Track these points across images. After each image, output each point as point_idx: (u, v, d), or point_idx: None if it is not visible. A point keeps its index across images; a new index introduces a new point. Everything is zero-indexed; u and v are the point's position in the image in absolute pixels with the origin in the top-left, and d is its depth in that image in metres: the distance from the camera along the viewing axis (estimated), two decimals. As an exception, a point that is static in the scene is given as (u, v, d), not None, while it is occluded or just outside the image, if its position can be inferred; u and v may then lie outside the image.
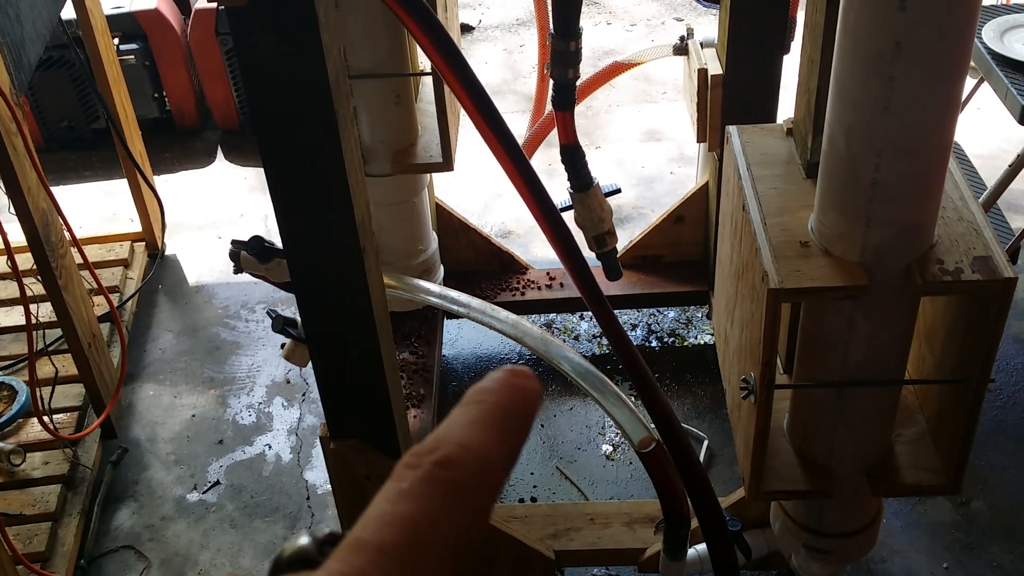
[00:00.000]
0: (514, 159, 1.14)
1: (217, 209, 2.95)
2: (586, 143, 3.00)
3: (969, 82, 2.31)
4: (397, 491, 0.28)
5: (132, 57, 2.92)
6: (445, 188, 2.63)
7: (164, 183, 2.94)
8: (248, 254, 1.75)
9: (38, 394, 2.03)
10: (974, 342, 1.17)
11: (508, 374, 0.32)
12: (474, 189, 2.88)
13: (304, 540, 0.31)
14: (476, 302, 1.65)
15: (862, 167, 1.07)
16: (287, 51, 1.24)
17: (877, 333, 1.19)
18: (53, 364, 2.20)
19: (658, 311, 2.47)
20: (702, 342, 2.40)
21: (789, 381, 1.37)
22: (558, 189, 1.92)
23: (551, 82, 1.73)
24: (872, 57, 1.02)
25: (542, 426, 2.22)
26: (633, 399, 1.54)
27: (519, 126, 3.09)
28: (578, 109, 1.83)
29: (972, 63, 2.05)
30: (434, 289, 1.71)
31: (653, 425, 1.43)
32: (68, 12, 2.23)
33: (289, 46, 1.23)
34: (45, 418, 2.00)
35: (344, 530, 0.28)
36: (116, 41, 2.61)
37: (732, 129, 1.39)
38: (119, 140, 2.49)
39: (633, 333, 2.42)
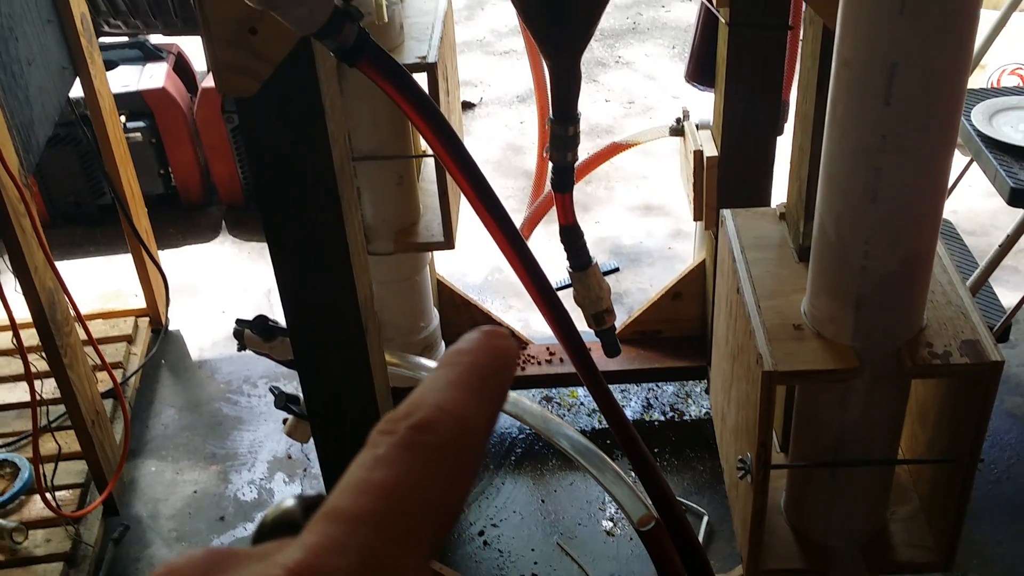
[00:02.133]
0: (512, 242, 1.17)
1: (221, 284, 2.98)
2: (585, 217, 3.06)
3: (961, 160, 2.36)
4: (373, 457, 0.27)
5: (139, 135, 2.98)
6: (446, 262, 2.67)
7: (169, 258, 2.98)
8: (252, 332, 1.78)
9: (41, 471, 2.04)
10: (964, 422, 1.19)
11: (483, 335, 0.31)
12: (474, 263, 2.92)
13: (290, 503, 0.30)
14: (476, 380, 1.67)
15: (852, 253, 1.11)
16: (294, 139, 1.28)
17: (870, 414, 1.21)
18: (56, 441, 2.21)
19: (657, 386, 2.49)
20: (701, 417, 2.41)
21: (785, 460, 1.39)
22: (558, 258, 1.95)
23: (550, 163, 1.78)
24: (859, 148, 1.05)
25: (543, 502, 2.22)
26: (632, 476, 1.55)
27: (519, 201, 3.14)
28: (577, 184, 1.88)
29: (963, 144, 2.11)
30: (435, 367, 1.73)
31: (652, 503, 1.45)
32: (76, 91, 2.29)
33: (296, 134, 1.28)
34: (48, 495, 2.00)
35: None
36: (123, 119, 2.68)
37: (727, 213, 1.43)
38: (125, 217, 2.54)
39: (632, 407, 2.44)
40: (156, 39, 3.17)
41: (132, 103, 2.97)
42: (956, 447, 1.21)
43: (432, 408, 0.28)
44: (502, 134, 3.64)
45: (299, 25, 0.94)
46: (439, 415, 0.27)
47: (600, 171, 3.24)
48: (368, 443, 0.27)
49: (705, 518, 2.14)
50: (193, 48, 3.30)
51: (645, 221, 3.16)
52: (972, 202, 2.99)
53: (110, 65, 2.88)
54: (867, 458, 1.25)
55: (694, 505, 2.16)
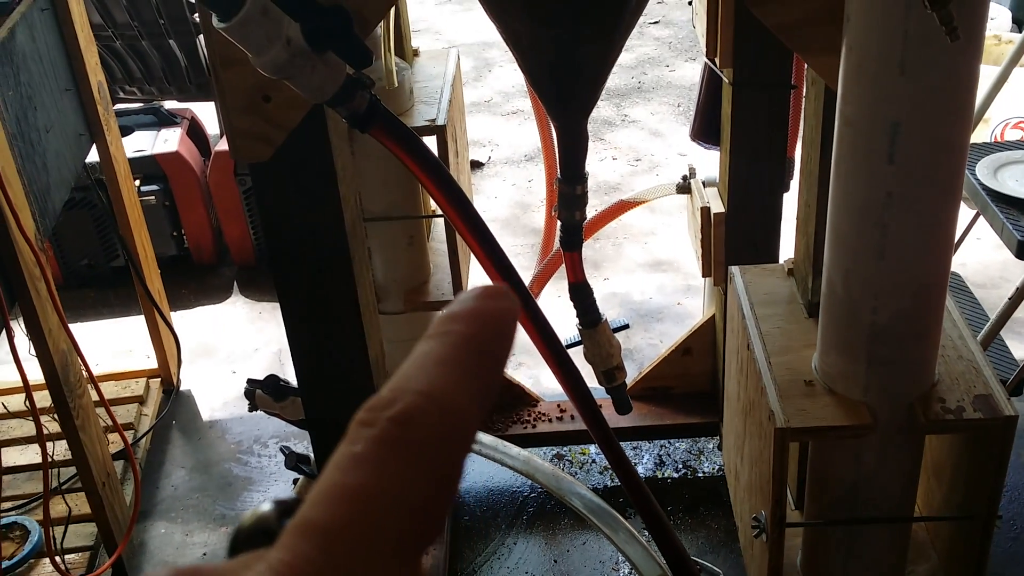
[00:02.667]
0: (522, 300, 1.18)
1: (232, 344, 3.00)
2: (594, 274, 3.07)
3: (968, 213, 2.37)
4: (350, 457, 0.24)
5: (152, 198, 3.02)
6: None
7: (180, 319, 3.00)
8: (263, 392, 1.78)
9: (51, 533, 2.03)
10: (980, 478, 1.18)
11: (477, 296, 0.27)
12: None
13: (265, 508, 0.27)
14: (487, 438, 1.67)
15: (861, 310, 1.11)
16: (307, 202, 1.30)
17: (885, 470, 1.21)
18: (66, 502, 2.20)
19: (668, 442, 2.48)
20: (714, 474, 2.39)
21: (801, 517, 1.38)
22: (568, 315, 1.96)
23: (559, 222, 1.80)
24: (865, 206, 1.07)
25: (555, 562, 2.20)
26: (646, 535, 1.54)
27: (528, 259, 3.16)
28: (585, 242, 1.89)
29: (968, 197, 2.12)
30: (446, 426, 1.73)
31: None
32: (92, 156, 2.33)
33: (309, 198, 1.30)
34: (57, 558, 1.99)
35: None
36: (137, 183, 2.71)
37: (735, 270, 1.44)
38: (138, 279, 2.56)
39: (644, 464, 2.42)
40: (170, 104, 3.23)
41: (146, 167, 3.01)
42: (973, 503, 1.20)
43: (416, 395, 0.24)
44: (510, 193, 3.67)
45: (312, 93, 0.97)
46: (424, 404, 0.24)
47: (608, 228, 3.26)
48: (347, 436, 0.24)
49: (720, 577, 2.11)
50: (206, 113, 3.36)
51: (654, 277, 3.17)
52: (981, 255, 2.99)
53: (125, 130, 2.93)
54: (883, 515, 1.24)
55: (709, 565, 2.13)
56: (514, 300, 0.27)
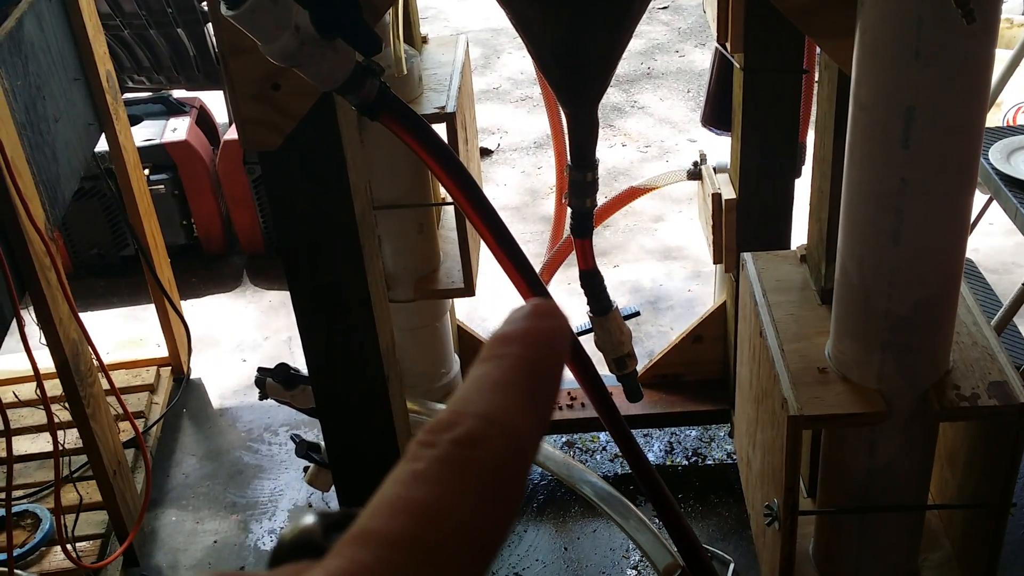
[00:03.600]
0: (532, 288, 1.18)
1: (242, 332, 3.00)
2: (604, 261, 3.06)
3: (981, 198, 2.35)
4: (411, 473, 0.23)
5: (162, 187, 3.02)
6: (467, 307, 2.68)
7: (191, 307, 3.00)
8: (274, 381, 1.78)
9: (62, 522, 2.04)
10: (995, 466, 1.18)
11: (530, 316, 0.27)
12: (495, 307, 2.93)
13: (310, 520, 0.26)
14: (498, 426, 1.67)
15: (875, 296, 1.10)
16: (316, 190, 1.30)
17: (898, 458, 1.20)
18: (77, 491, 2.21)
19: (679, 430, 2.47)
20: (725, 461, 2.39)
21: (813, 505, 1.37)
22: (579, 302, 1.95)
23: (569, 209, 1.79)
24: (879, 192, 1.06)
25: (565, 549, 2.20)
26: (657, 522, 1.53)
27: (538, 245, 3.15)
28: (596, 228, 1.88)
29: (982, 182, 2.10)
30: (456, 414, 1.73)
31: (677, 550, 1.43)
32: (101, 145, 2.33)
33: (318, 186, 1.29)
34: (68, 546, 2.00)
35: (358, 511, 0.24)
36: (147, 172, 2.71)
37: (747, 256, 1.43)
38: (148, 268, 2.56)
39: (655, 452, 2.42)
40: (179, 93, 3.23)
41: (156, 156, 3.01)
42: (987, 491, 1.20)
43: (477, 418, 0.24)
44: (520, 180, 3.66)
45: (321, 81, 0.96)
46: (486, 428, 0.24)
47: (618, 215, 3.25)
48: (406, 456, 0.24)
49: (731, 565, 2.11)
50: (215, 101, 3.35)
51: (664, 264, 3.16)
52: (993, 240, 2.97)
53: (134, 120, 2.93)
54: (896, 503, 1.24)
55: (720, 552, 2.13)
56: (564, 318, 0.27)
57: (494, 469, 0.24)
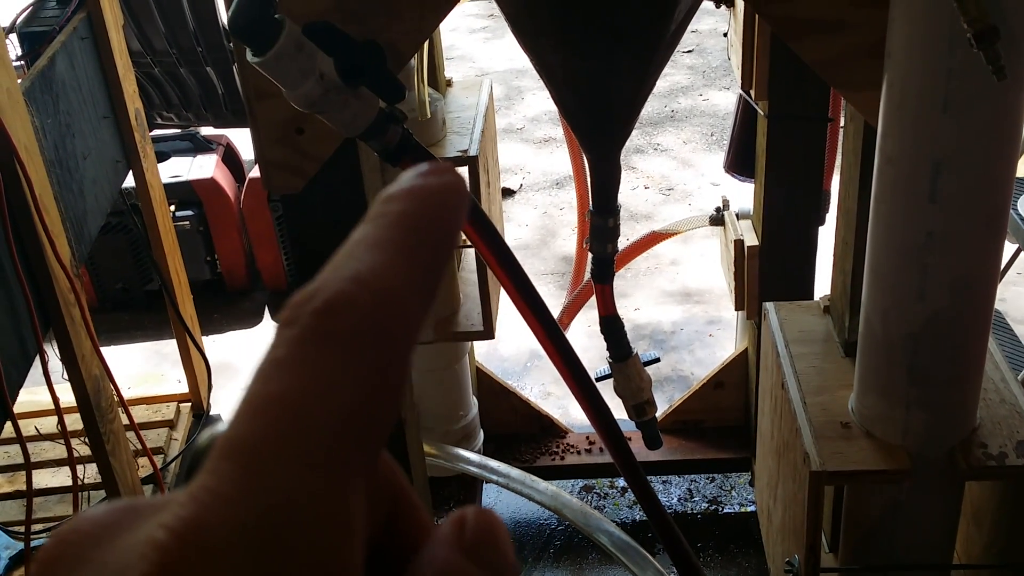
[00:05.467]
0: (549, 334, 1.17)
1: (261, 368, 3.00)
2: (624, 303, 3.05)
3: (1010, 247, 2.33)
4: (271, 362, 0.21)
5: (187, 223, 3.04)
6: (485, 348, 2.67)
7: (212, 343, 3.01)
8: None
9: (78, 558, 2.03)
10: (1022, 526, 1.15)
11: (418, 175, 0.23)
12: (514, 350, 2.91)
13: (222, 427, 0.24)
14: (516, 472, 1.65)
15: (900, 351, 1.09)
16: (338, 233, 1.30)
17: (923, 516, 1.17)
18: (94, 527, 2.21)
19: (699, 477, 2.44)
20: (745, 510, 2.35)
21: (835, 562, 1.34)
22: (599, 346, 1.94)
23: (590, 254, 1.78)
24: (905, 246, 1.04)
25: (582, 597, 2.17)
26: (674, 573, 1.51)
27: (558, 286, 3.14)
28: (617, 272, 1.87)
29: (1010, 233, 2.08)
30: (474, 459, 1.72)
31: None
32: (128, 181, 2.35)
33: (340, 229, 1.29)
34: (83, 583, 1.99)
35: None
36: (172, 208, 2.74)
37: (769, 306, 1.42)
38: (171, 304, 2.57)
39: (673, 499, 2.39)
40: (206, 131, 3.26)
41: (182, 192, 3.04)
42: (1015, 551, 1.17)
43: (344, 282, 0.21)
44: (541, 220, 3.67)
45: (344, 127, 0.96)
46: (353, 290, 0.21)
47: (639, 257, 3.24)
48: (271, 340, 0.21)
49: (751, 617, 2.07)
50: (242, 139, 3.39)
51: (685, 307, 3.14)
52: (1021, 289, 2.94)
53: (162, 156, 2.96)
54: (921, 562, 1.21)
55: (740, 603, 2.09)
56: (457, 175, 0.24)
57: (366, 337, 0.20)
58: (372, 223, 0.23)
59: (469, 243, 1.91)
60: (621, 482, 2.44)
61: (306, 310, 0.21)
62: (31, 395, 2.55)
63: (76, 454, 1.92)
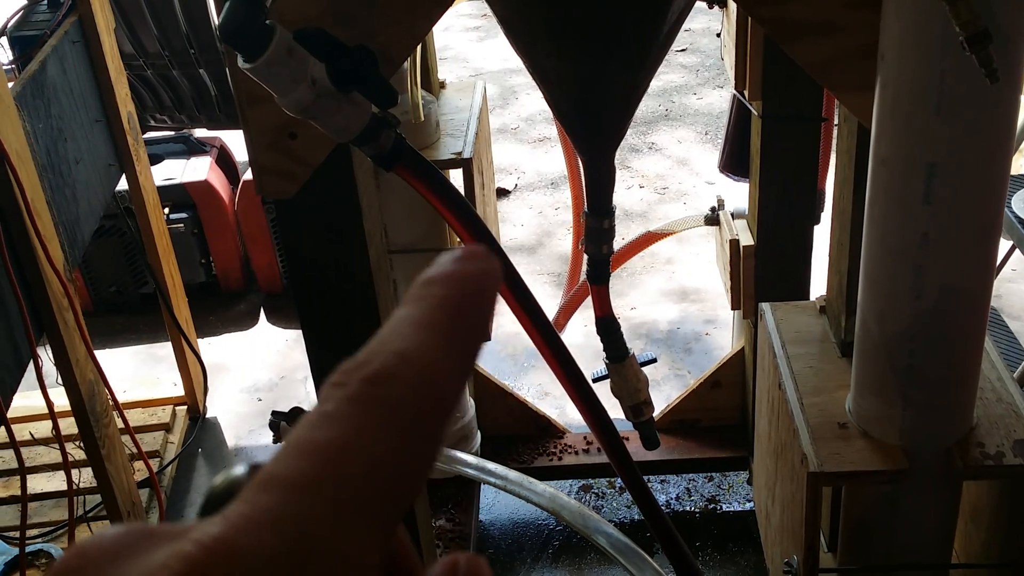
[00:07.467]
0: (544, 336, 1.17)
1: (258, 371, 3.00)
2: (620, 303, 3.04)
3: (1004, 245, 2.33)
4: (320, 415, 0.23)
5: (181, 226, 3.03)
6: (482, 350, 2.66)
7: (207, 345, 3.01)
8: (288, 425, 1.77)
9: (74, 564, 2.02)
10: (1020, 525, 1.15)
11: (457, 260, 0.26)
12: (511, 351, 2.91)
13: (239, 471, 0.25)
14: (513, 474, 1.65)
15: (896, 352, 1.08)
16: (331, 238, 1.29)
17: (921, 516, 1.17)
18: (91, 531, 2.20)
19: (696, 476, 2.44)
20: (743, 508, 2.35)
21: (834, 562, 1.34)
22: (595, 347, 1.93)
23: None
24: (900, 247, 1.04)
25: (580, 598, 2.16)
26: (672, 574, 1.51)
27: (554, 286, 3.14)
28: (612, 272, 1.87)
29: (1004, 231, 2.08)
30: (471, 461, 1.71)
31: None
32: (121, 184, 2.34)
33: (333, 234, 1.29)
34: (79, 589, 1.99)
35: None
36: (166, 210, 2.73)
37: (765, 307, 1.41)
38: (166, 307, 2.57)
39: (671, 498, 2.39)
40: (200, 133, 3.25)
41: (176, 195, 3.03)
42: (1013, 550, 1.17)
43: (390, 355, 0.23)
44: (536, 220, 3.66)
45: (337, 133, 0.96)
46: (398, 364, 0.23)
47: (635, 257, 3.24)
48: (319, 399, 0.23)
49: (749, 616, 2.07)
50: (236, 141, 3.38)
51: (681, 307, 3.14)
52: (1017, 286, 2.94)
53: (155, 159, 2.95)
54: (919, 562, 1.21)
55: (738, 602, 2.09)
56: (495, 261, 0.26)
57: (406, 407, 0.23)
58: (416, 304, 0.25)
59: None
60: (619, 481, 2.44)
61: (356, 376, 0.23)
62: (25, 400, 2.55)
63: (71, 458, 1.91)
